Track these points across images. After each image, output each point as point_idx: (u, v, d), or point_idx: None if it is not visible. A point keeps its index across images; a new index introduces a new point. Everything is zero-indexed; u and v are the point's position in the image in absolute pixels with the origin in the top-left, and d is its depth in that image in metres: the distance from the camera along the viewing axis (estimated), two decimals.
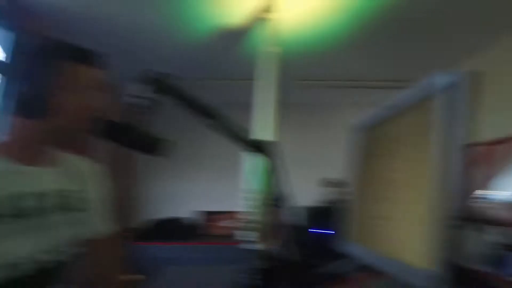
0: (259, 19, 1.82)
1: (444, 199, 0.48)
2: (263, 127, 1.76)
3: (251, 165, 0.91)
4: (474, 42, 2.17)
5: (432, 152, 0.58)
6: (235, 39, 2.11)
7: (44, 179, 0.64)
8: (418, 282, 0.48)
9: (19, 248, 0.57)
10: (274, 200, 0.81)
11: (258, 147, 0.78)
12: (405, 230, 0.56)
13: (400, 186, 0.65)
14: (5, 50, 1.26)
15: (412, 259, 0.51)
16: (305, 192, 4.15)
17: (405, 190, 0.63)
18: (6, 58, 0.65)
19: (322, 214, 1.38)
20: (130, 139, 0.69)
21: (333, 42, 2.16)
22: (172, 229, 3.03)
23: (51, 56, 0.62)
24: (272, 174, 0.78)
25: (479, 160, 3.51)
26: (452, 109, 0.58)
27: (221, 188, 3.42)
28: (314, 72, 2.77)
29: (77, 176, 0.72)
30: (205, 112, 0.79)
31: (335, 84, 2.99)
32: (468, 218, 1.24)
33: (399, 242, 0.57)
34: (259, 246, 1.35)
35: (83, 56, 0.65)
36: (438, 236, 0.45)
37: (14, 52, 0.65)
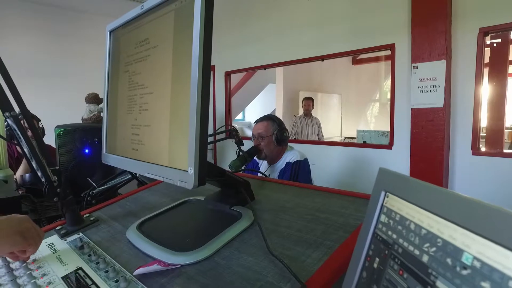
0: None
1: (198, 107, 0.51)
2: None
3: None
4: None
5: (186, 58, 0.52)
6: None
7: None
8: (180, 181, 0.56)
9: None
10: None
11: None
12: (163, 137, 0.60)
13: (154, 92, 0.63)
14: None
15: (171, 162, 0.58)
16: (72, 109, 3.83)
17: (160, 97, 0.61)
18: None
19: (90, 132, 1.40)
20: None
21: None
22: None
23: None
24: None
25: None
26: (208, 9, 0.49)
27: None
28: None
29: None
30: None
31: None
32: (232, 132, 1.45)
33: (158, 148, 0.62)
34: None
35: None
36: (194, 140, 0.52)
37: None
